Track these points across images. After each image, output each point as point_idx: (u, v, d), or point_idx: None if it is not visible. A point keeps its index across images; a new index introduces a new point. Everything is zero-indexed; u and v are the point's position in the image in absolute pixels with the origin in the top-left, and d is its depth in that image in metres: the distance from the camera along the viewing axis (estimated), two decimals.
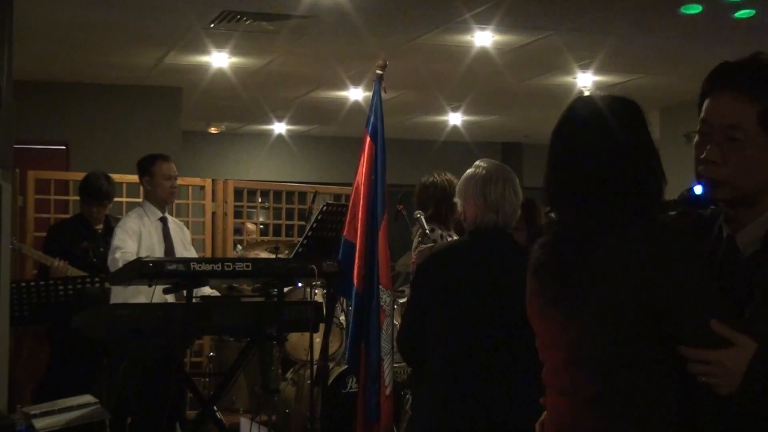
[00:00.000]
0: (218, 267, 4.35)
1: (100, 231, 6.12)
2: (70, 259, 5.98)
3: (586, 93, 2.23)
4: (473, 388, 3.21)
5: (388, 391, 4.46)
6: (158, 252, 5.37)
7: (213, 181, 7.85)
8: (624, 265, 1.95)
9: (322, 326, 5.21)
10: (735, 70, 1.97)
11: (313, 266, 4.49)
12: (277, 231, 8.26)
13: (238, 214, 8.13)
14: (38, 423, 4.38)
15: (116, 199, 6.50)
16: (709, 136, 1.96)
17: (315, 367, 4.99)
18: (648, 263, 1.92)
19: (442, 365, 3.31)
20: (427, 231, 5.06)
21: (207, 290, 5.16)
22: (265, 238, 8.02)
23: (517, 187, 3.38)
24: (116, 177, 6.50)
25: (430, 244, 4.68)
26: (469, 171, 3.42)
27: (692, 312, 1.89)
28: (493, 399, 3.19)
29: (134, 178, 6.16)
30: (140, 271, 4.16)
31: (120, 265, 5.00)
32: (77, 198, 7.33)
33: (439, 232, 5.12)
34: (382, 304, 4.49)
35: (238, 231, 8.34)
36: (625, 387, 1.98)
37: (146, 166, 5.59)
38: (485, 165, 3.41)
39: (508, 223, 3.33)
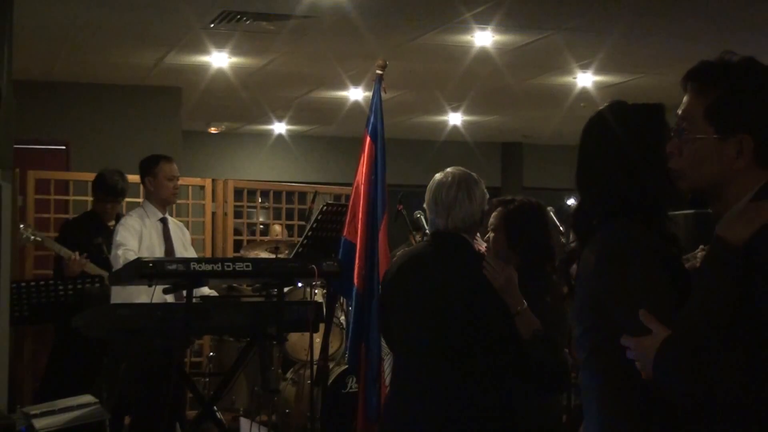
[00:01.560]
0: (218, 267, 4.35)
1: (112, 227, 6.10)
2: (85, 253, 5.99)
3: (616, 100, 2.40)
4: (417, 388, 3.25)
5: (388, 391, 4.46)
6: (158, 252, 5.38)
7: (213, 181, 7.85)
8: (584, 271, 2.18)
9: (322, 326, 5.21)
10: (699, 66, 2.05)
11: (313, 266, 4.49)
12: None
13: (238, 214, 8.13)
14: (38, 423, 4.38)
15: None
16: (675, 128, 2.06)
17: (315, 367, 4.99)
18: (595, 269, 2.13)
19: (396, 363, 3.46)
20: (427, 231, 5.05)
21: (206, 290, 5.16)
22: (265, 238, 8.02)
23: (475, 193, 3.34)
24: None
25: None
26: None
27: (626, 305, 2.03)
28: (435, 400, 3.20)
29: (134, 177, 6.16)
30: (140, 271, 4.16)
31: (121, 261, 5.01)
32: (77, 198, 7.34)
33: None
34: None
35: (239, 231, 8.34)
36: (596, 377, 2.20)
37: (149, 167, 5.59)
38: (450, 170, 3.42)
39: (459, 227, 3.32)
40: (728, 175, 1.97)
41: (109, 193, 6.17)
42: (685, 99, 2.05)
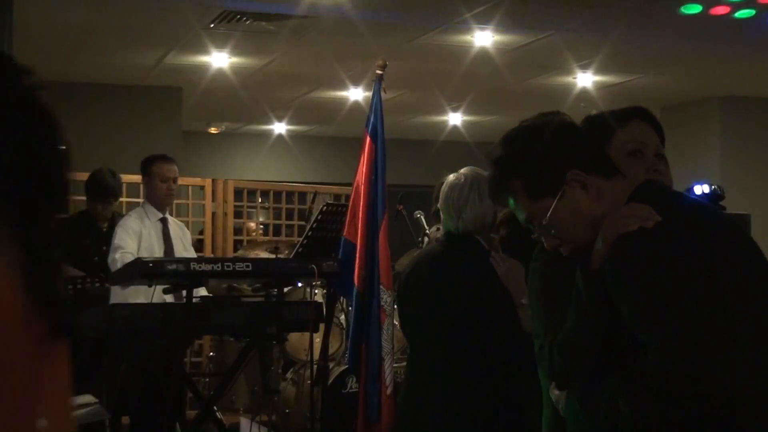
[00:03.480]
0: (218, 267, 4.35)
1: (104, 229, 6.00)
2: (70, 255, 5.94)
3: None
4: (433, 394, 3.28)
5: (389, 391, 4.47)
6: (158, 252, 5.37)
7: (213, 181, 7.85)
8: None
9: (322, 326, 5.21)
10: (490, 183, 2.15)
11: (313, 266, 4.49)
12: (277, 231, 8.26)
13: (238, 214, 8.12)
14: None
15: None
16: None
17: (315, 367, 4.99)
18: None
19: (409, 358, 3.56)
20: (428, 231, 5.06)
21: (203, 291, 5.15)
22: (265, 238, 8.01)
23: (486, 194, 3.34)
24: None
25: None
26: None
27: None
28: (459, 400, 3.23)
29: (134, 178, 6.16)
30: (140, 271, 4.17)
31: (119, 264, 4.99)
32: (77, 198, 7.33)
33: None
34: (382, 304, 4.50)
35: (238, 231, 8.33)
36: None
37: (145, 168, 5.57)
38: (463, 171, 3.44)
39: (470, 229, 3.32)
40: (595, 210, 1.97)
41: (98, 193, 6.00)
42: (508, 209, 2.15)
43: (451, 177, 3.42)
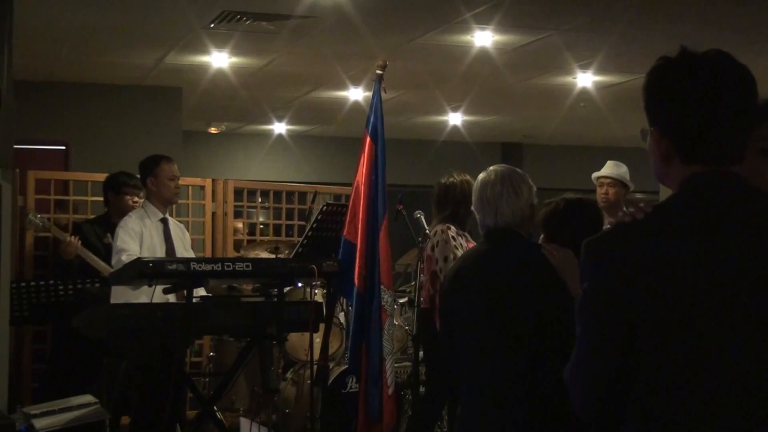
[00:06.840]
0: (218, 267, 4.35)
1: None
2: (94, 254, 6.00)
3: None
4: (498, 404, 3.16)
5: (390, 391, 4.47)
6: (159, 253, 5.37)
7: (213, 181, 7.84)
8: None
9: (322, 326, 5.21)
10: None
11: (313, 266, 4.49)
12: (277, 231, 8.25)
13: (238, 214, 8.11)
14: (38, 423, 4.39)
15: None
16: None
17: (315, 367, 4.99)
18: None
19: (467, 371, 3.29)
20: (428, 231, 5.05)
21: (202, 291, 5.15)
22: (265, 238, 8.01)
23: (521, 188, 3.32)
24: None
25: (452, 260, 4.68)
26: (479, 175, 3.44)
27: None
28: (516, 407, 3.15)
29: None
30: (140, 271, 4.17)
31: None
32: (77, 198, 7.34)
33: (455, 229, 5.12)
34: (383, 304, 4.50)
35: (239, 230, 8.33)
36: None
37: (150, 167, 5.58)
38: (493, 168, 3.39)
39: (510, 223, 3.29)
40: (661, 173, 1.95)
41: (133, 186, 6.11)
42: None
43: (481, 175, 3.37)
